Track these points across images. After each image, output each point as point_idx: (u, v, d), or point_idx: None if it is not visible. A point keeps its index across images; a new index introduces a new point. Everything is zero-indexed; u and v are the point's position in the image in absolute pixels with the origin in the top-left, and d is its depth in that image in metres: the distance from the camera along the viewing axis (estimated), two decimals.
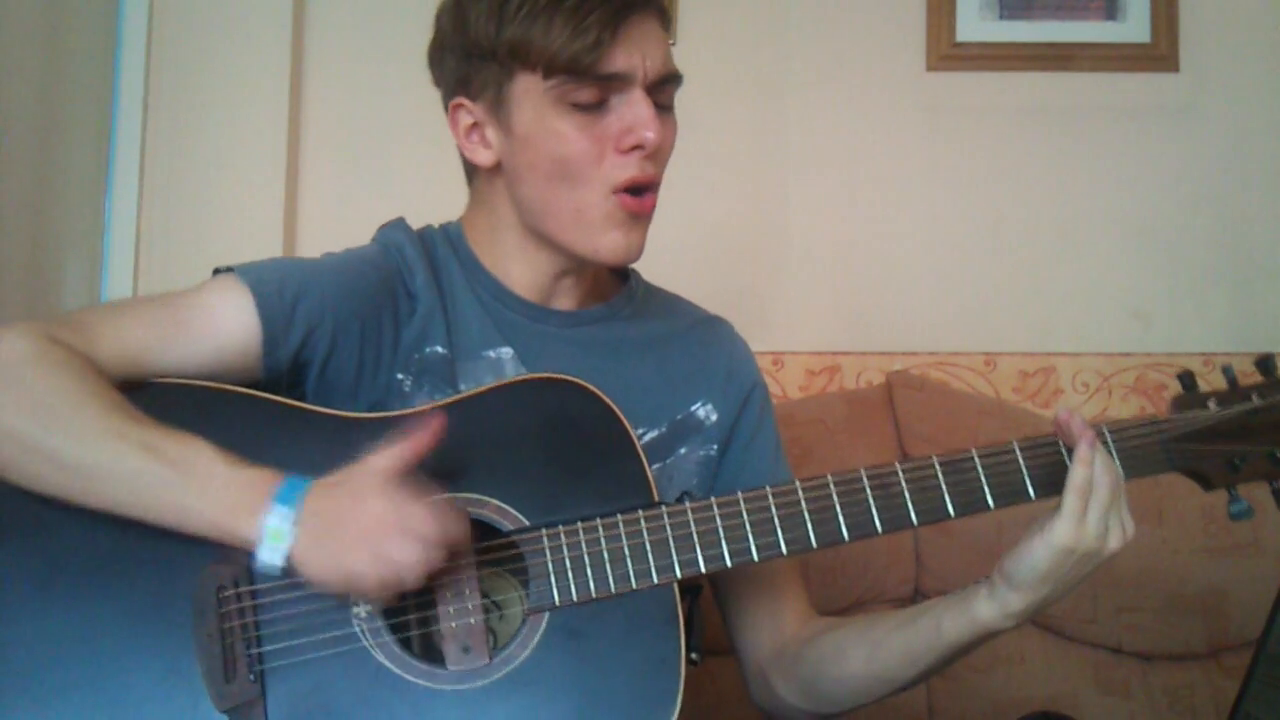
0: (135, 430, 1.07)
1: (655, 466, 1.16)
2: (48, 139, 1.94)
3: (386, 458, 1.07)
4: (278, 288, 1.19)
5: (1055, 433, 1.17)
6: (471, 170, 1.31)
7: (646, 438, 1.28)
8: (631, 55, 1.18)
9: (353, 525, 1.04)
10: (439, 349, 1.25)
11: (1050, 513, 1.13)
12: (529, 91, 1.19)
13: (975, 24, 2.18)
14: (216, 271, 1.23)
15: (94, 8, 2.08)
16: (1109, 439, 1.17)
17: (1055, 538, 1.11)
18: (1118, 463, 1.15)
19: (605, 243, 1.22)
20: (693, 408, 1.34)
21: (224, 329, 1.17)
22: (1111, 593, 1.83)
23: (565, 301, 1.31)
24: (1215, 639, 1.83)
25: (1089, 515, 1.11)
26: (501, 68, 1.20)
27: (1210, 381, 1.23)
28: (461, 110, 1.25)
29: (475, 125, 1.24)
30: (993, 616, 1.15)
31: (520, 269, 1.29)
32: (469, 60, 1.22)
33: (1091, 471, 1.12)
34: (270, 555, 1.04)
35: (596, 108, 1.19)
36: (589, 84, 1.17)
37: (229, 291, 1.19)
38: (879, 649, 1.23)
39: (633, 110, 1.19)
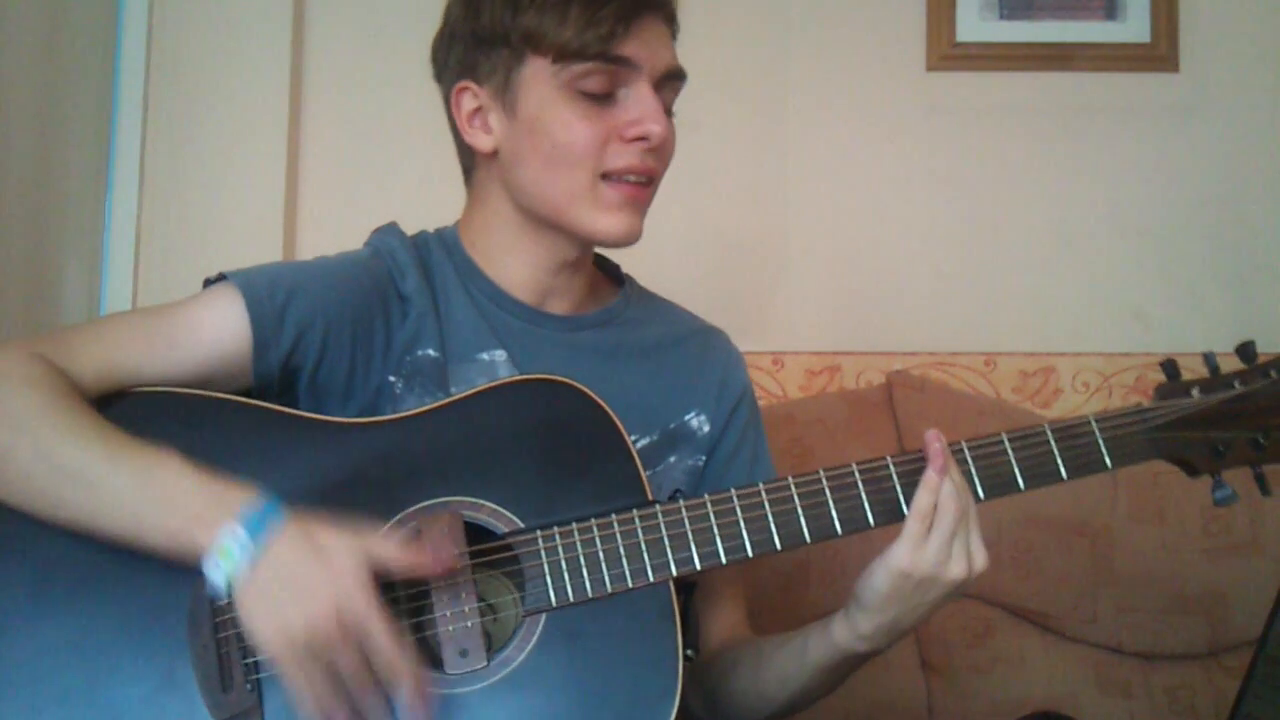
0: (100, 441, 1.06)
1: (644, 474, 1.16)
2: (48, 139, 1.93)
3: (383, 551, 1.04)
4: (268, 291, 1.18)
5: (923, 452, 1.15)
6: (469, 162, 1.31)
7: (638, 445, 1.27)
8: (640, 48, 1.20)
9: (305, 584, 1.00)
10: (431, 352, 1.24)
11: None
12: (538, 76, 1.20)
13: (975, 24, 2.17)
14: (207, 282, 1.22)
15: (94, 8, 2.07)
16: (1095, 428, 1.17)
17: (892, 560, 1.11)
18: (1105, 452, 1.15)
19: (605, 223, 1.23)
20: (686, 417, 1.34)
21: (213, 334, 1.17)
22: (1111, 593, 1.83)
23: (561, 305, 1.31)
24: (1215, 639, 1.83)
25: (930, 541, 1.10)
26: (512, 52, 1.21)
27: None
28: (466, 94, 1.25)
29: (478, 110, 1.25)
30: (845, 637, 1.15)
31: (517, 264, 1.29)
32: (478, 45, 1.23)
33: (936, 497, 1.11)
34: (213, 571, 1.01)
35: (604, 99, 1.20)
36: (599, 70, 1.18)
37: (219, 297, 1.19)
38: (761, 667, 1.23)
39: (639, 104, 1.20)
